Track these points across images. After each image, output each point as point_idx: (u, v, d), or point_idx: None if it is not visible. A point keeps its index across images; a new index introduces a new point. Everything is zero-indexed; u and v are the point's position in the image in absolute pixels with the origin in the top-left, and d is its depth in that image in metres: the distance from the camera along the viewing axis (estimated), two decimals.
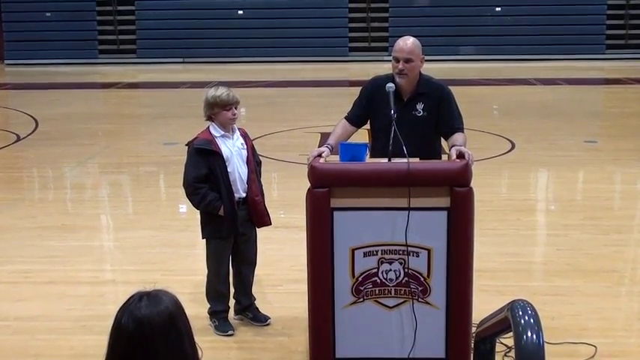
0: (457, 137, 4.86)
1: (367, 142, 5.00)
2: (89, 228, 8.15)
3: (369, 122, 5.22)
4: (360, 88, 5.32)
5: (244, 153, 5.43)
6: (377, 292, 4.45)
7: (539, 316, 3.78)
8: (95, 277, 6.68)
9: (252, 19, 25.87)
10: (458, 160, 4.47)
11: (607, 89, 20.78)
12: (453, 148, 4.67)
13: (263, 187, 5.59)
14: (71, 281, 6.54)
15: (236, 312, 5.68)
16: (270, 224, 5.60)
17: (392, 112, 4.62)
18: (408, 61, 4.95)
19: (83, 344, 5.35)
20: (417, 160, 4.49)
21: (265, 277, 6.29)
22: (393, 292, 4.44)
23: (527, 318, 3.76)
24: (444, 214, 4.36)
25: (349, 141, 4.96)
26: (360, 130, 5.28)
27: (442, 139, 5.17)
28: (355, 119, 5.21)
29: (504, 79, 20.77)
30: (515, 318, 3.79)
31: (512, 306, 3.90)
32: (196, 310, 5.44)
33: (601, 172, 10.29)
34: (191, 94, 17.15)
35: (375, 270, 4.42)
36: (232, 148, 5.37)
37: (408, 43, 5.00)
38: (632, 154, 11.33)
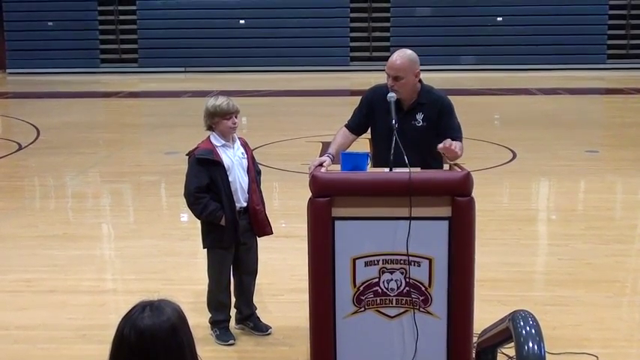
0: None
1: (368, 151, 5.00)
2: (90, 237, 8.15)
3: (369, 131, 5.22)
4: (361, 97, 5.32)
5: (245, 162, 5.43)
6: (378, 301, 4.44)
7: (541, 326, 3.78)
8: (96, 286, 6.68)
9: (254, 28, 25.94)
10: (459, 170, 4.47)
11: (608, 99, 20.81)
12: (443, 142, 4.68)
13: (264, 197, 5.60)
14: (72, 290, 6.54)
15: (237, 321, 5.67)
16: (272, 233, 5.60)
17: (393, 121, 4.62)
18: (396, 78, 4.93)
19: (84, 353, 5.34)
20: (418, 169, 4.49)
21: (266, 286, 6.29)
22: (394, 301, 4.44)
23: (528, 328, 3.76)
24: (446, 223, 4.35)
25: (350, 150, 4.96)
26: (360, 139, 5.28)
27: None
28: (355, 127, 5.21)
29: (505, 89, 20.80)
30: (517, 328, 3.78)
31: (514, 316, 3.90)
32: (197, 319, 5.42)
33: (602, 182, 10.29)
34: (192, 104, 17.16)
35: (377, 279, 4.41)
36: (233, 158, 5.37)
37: (398, 60, 4.94)
38: (633, 163, 11.34)
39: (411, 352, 4.44)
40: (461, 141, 4.99)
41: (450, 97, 5.17)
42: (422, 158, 4.76)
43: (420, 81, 5.05)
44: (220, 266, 5.46)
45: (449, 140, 4.67)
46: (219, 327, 5.52)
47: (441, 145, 4.65)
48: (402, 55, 4.97)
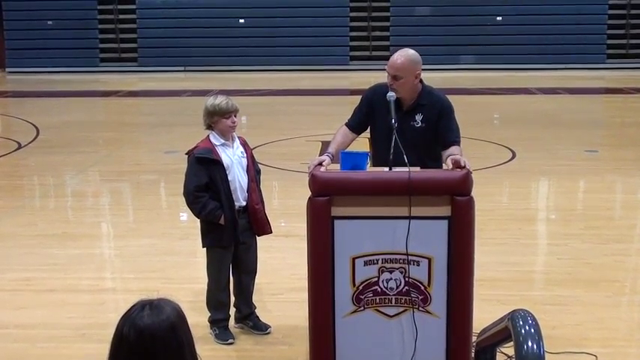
0: (452, 149, 4.85)
1: (368, 150, 5.00)
2: (90, 236, 8.15)
3: (369, 130, 5.22)
4: (361, 96, 5.31)
5: (244, 161, 5.43)
6: (377, 300, 4.44)
7: (540, 326, 3.78)
8: (95, 285, 6.68)
9: (254, 27, 25.93)
10: (458, 170, 4.46)
11: (608, 99, 20.82)
12: (449, 157, 4.66)
13: (263, 196, 5.60)
14: (71, 289, 6.54)
15: (236, 320, 5.68)
16: (271, 233, 5.60)
17: (393, 121, 4.62)
18: (395, 77, 4.92)
19: (83, 352, 5.34)
20: (417, 169, 4.49)
21: (266, 285, 6.29)
22: (393, 301, 4.44)
23: (527, 327, 3.76)
24: (445, 223, 4.35)
25: (350, 149, 4.96)
26: (360, 138, 5.28)
27: None
28: (355, 126, 5.20)
29: (505, 89, 20.80)
30: (516, 327, 3.79)
31: (513, 315, 3.90)
32: (197, 318, 5.42)
33: (602, 182, 10.29)
34: (192, 103, 17.17)
35: (376, 279, 4.42)
36: (233, 157, 5.37)
37: (398, 60, 4.93)
38: (632, 163, 11.34)
39: (410, 351, 4.44)
40: (459, 144, 4.98)
41: (449, 97, 5.17)
42: (420, 159, 4.75)
43: (421, 81, 5.04)
44: (219, 265, 5.46)
45: (452, 159, 4.59)
46: (219, 326, 5.52)
47: (451, 167, 4.59)
48: (404, 55, 4.96)
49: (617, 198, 9.88)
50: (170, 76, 24.79)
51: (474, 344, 4.64)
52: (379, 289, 4.42)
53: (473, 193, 4.39)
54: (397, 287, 4.42)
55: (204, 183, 5.29)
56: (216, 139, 5.36)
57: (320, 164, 4.60)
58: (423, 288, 4.42)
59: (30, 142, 13.45)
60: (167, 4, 26.30)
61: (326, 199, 4.34)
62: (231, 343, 5.45)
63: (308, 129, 14.08)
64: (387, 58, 5.10)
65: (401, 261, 4.38)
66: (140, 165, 11.74)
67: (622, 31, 26.09)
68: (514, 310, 3.97)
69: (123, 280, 6.96)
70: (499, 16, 25.85)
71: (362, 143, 5.30)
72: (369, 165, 4.70)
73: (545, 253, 7.72)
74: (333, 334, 4.47)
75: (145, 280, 6.70)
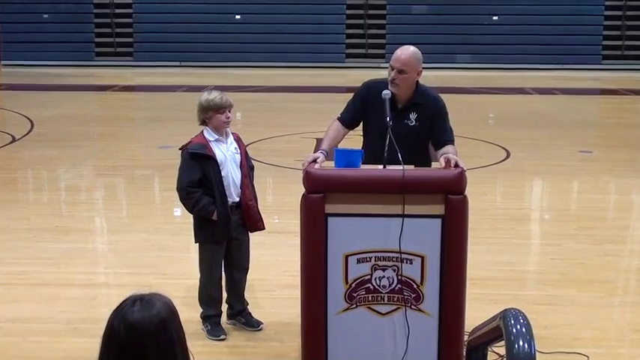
0: (447, 148, 4.86)
1: (362, 148, 5.00)
2: (83, 230, 8.13)
3: (361, 126, 5.22)
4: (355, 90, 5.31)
5: (238, 157, 5.43)
6: (370, 298, 4.45)
7: (532, 325, 3.79)
8: (88, 279, 6.67)
9: (250, 24, 25.90)
10: (453, 168, 4.47)
11: (603, 100, 20.85)
12: (442, 156, 4.67)
13: (257, 192, 5.60)
14: (64, 283, 6.53)
15: (229, 317, 5.67)
16: (264, 229, 5.59)
17: (387, 119, 4.62)
18: (401, 72, 4.94)
19: (75, 347, 5.33)
20: (411, 167, 4.50)
21: (258, 282, 6.29)
22: (386, 298, 4.45)
23: (519, 327, 3.76)
24: (439, 221, 4.36)
25: (344, 147, 4.96)
26: (355, 136, 5.28)
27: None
28: (348, 121, 5.20)
29: (500, 88, 20.80)
30: (508, 327, 3.79)
31: (505, 314, 3.90)
32: (189, 314, 5.41)
33: (596, 183, 10.31)
34: (187, 98, 17.11)
35: (369, 276, 4.42)
36: (226, 153, 5.37)
37: (405, 54, 4.96)
38: (626, 164, 11.36)
39: (402, 349, 4.44)
40: (453, 143, 4.99)
41: (445, 96, 5.18)
42: (411, 158, 4.73)
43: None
44: (212, 261, 5.45)
45: (445, 158, 4.60)
46: (211, 322, 5.52)
47: (443, 165, 4.59)
48: (409, 50, 5.00)
49: (611, 199, 9.90)
50: (166, 71, 24.73)
51: (466, 343, 4.65)
52: (372, 287, 4.43)
53: (467, 192, 4.40)
54: (390, 285, 4.42)
55: (198, 178, 5.28)
56: (210, 135, 5.36)
57: (314, 161, 4.60)
58: (415, 286, 4.42)
59: (24, 136, 13.42)
60: None
61: (320, 196, 4.35)
62: (223, 339, 5.45)
63: (303, 126, 14.06)
64: (382, 56, 5.15)
65: (394, 259, 4.38)
66: (134, 160, 11.72)
67: (618, 33, 26.12)
68: (506, 310, 3.97)
69: (116, 275, 6.95)
70: (495, 15, 25.87)
71: (356, 141, 5.30)
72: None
73: (538, 253, 7.73)
74: (325, 331, 4.48)
75: (137, 275, 6.70)
